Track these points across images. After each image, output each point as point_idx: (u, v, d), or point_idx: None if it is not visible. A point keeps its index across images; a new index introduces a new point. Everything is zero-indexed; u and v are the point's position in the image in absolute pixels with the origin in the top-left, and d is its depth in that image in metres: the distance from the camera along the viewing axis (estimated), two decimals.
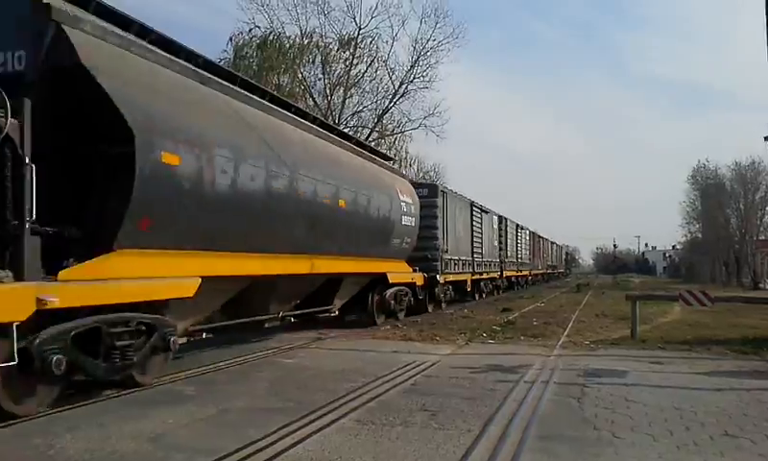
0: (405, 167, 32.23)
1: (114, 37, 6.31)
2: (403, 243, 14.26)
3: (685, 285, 29.48)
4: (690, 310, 15.20)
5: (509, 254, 30.83)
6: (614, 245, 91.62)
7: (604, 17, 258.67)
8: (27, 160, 5.27)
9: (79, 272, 5.59)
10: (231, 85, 8.38)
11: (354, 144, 13.37)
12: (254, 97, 8.99)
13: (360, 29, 30.26)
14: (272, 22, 29.22)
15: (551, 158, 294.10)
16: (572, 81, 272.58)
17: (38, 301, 5.13)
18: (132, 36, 6.73)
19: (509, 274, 31.53)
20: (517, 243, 33.93)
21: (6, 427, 5.07)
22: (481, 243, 23.49)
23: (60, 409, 5.58)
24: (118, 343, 6.04)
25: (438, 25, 31.81)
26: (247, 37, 28.54)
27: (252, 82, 9.76)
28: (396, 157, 23.98)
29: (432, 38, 31.29)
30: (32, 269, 5.32)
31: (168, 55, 7.19)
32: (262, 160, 8.19)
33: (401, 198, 14.09)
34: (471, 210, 22.38)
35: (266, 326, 10.45)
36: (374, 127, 31.93)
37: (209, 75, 7.91)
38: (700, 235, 63.15)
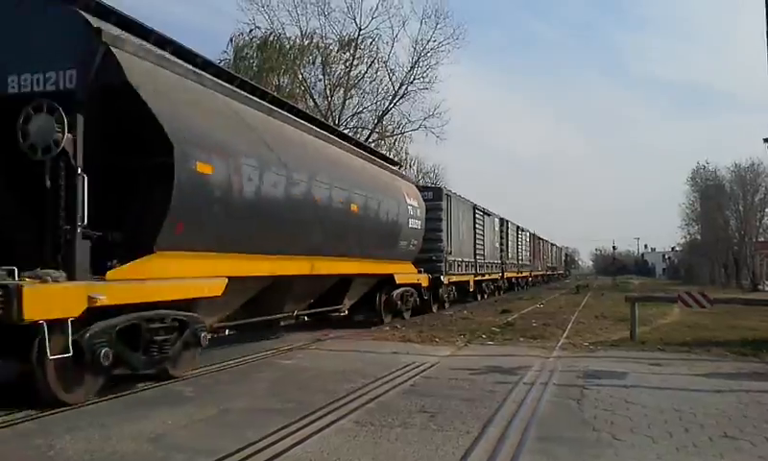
0: (405, 168, 32.51)
1: (151, 55, 6.83)
2: (410, 245, 14.80)
3: (685, 287, 29.70)
4: (689, 312, 15.26)
5: (510, 255, 31.38)
6: (614, 246, 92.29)
7: (604, 17, 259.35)
8: (79, 171, 5.82)
9: (123, 272, 6.13)
10: (257, 99, 8.98)
11: (365, 151, 13.94)
12: (279, 110, 9.64)
13: (360, 30, 30.30)
14: (272, 23, 29.35)
15: (551, 159, 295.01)
16: (572, 81, 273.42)
17: (89, 298, 5.67)
18: (164, 53, 7.25)
19: (510, 275, 32.09)
20: (518, 245, 34.49)
21: (6, 427, 5.14)
22: (483, 245, 24.05)
23: (60, 409, 5.65)
24: (156, 338, 6.58)
25: (438, 26, 31.57)
26: (247, 38, 28.71)
27: (280, 97, 10.44)
28: (397, 159, 24.27)
29: (432, 39, 31.28)
30: (82, 270, 5.87)
31: (197, 70, 7.72)
32: (283, 169, 8.75)
33: (408, 201, 14.62)
34: (474, 213, 22.95)
35: (281, 324, 10.94)
36: (374, 128, 32.07)
37: (236, 89, 8.48)
38: (699, 237, 63.47)
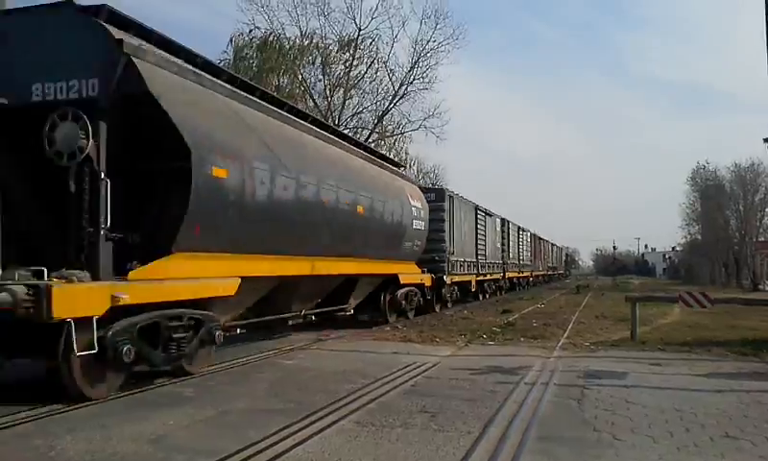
0: (405, 169, 32.59)
1: (171, 65, 7.11)
2: (414, 246, 15.06)
3: (685, 287, 29.87)
4: (690, 312, 15.34)
5: (511, 255, 31.62)
6: (614, 246, 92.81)
7: (604, 18, 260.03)
8: (102, 176, 6.08)
9: (144, 272, 6.41)
10: (269, 105, 9.27)
11: (370, 153, 14.21)
12: (291, 116, 9.94)
13: (360, 30, 30.40)
14: (272, 23, 29.49)
15: (551, 159, 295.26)
16: (572, 81, 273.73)
17: (113, 298, 5.95)
18: (179, 61, 7.51)
19: (511, 275, 32.36)
20: (519, 245, 34.72)
21: (6, 428, 5.15)
22: (485, 245, 24.33)
23: (60, 410, 5.73)
24: (174, 335, 6.84)
25: (438, 26, 31.81)
26: (247, 38, 28.86)
27: (294, 105, 10.75)
28: (397, 159, 24.42)
29: (432, 40, 31.40)
30: (105, 270, 6.15)
31: (214, 78, 8.01)
32: (294, 172, 9.03)
33: (412, 203, 14.89)
34: (476, 213, 23.22)
35: (290, 323, 11.18)
36: (374, 128, 32.15)
37: (248, 95, 8.76)
38: (699, 237, 63.59)
